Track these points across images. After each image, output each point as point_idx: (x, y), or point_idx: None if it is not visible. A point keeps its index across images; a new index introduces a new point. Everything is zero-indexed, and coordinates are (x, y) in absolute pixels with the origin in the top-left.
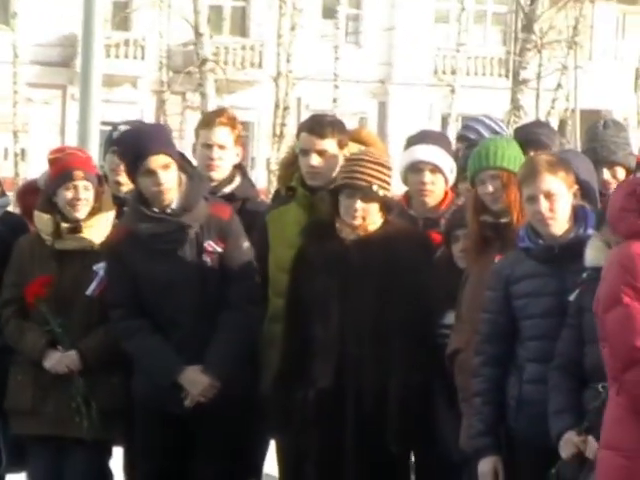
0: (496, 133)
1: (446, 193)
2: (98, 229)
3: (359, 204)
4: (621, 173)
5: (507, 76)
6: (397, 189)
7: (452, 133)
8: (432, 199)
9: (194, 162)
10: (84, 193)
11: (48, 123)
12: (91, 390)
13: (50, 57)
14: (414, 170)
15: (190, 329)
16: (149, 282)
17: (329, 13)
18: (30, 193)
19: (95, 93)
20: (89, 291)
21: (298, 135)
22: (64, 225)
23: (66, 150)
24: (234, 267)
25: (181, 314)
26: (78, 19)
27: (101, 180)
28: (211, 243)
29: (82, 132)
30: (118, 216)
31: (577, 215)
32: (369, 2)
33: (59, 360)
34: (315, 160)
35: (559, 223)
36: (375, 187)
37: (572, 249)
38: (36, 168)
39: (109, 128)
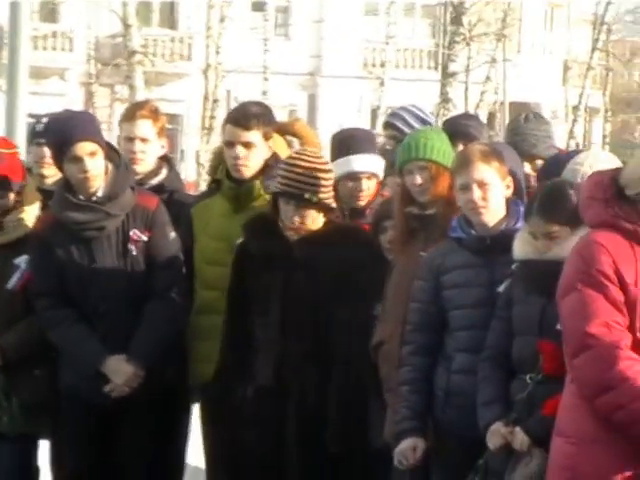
0: (423, 122)
1: None
2: (20, 223)
3: (294, 211)
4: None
5: (436, 69)
6: None
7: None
8: (365, 202)
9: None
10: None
11: None
12: (12, 384)
13: None
14: (350, 178)
15: (115, 319)
16: (74, 271)
17: (258, 6)
18: None
19: (22, 85)
20: (10, 285)
21: (224, 126)
22: None
23: None
24: (160, 256)
25: (106, 303)
26: (4, 10)
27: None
28: (136, 232)
29: (9, 125)
30: (44, 208)
31: (509, 208)
32: None
33: None
34: (240, 152)
35: (491, 213)
36: (308, 195)
37: (503, 241)
38: None
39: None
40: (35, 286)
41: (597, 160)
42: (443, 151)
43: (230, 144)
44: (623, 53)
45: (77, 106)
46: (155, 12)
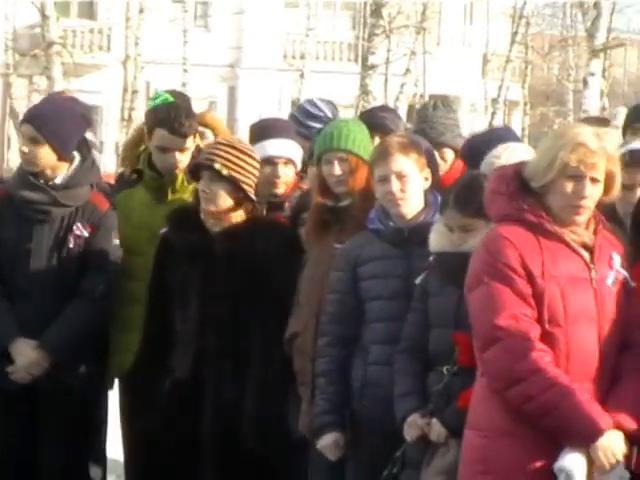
0: (314, 117)
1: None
2: None
3: (204, 183)
4: (449, 155)
5: (356, 61)
6: None
7: None
8: (282, 189)
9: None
10: None
11: None
12: None
13: None
14: (266, 164)
15: (38, 304)
16: (10, 247)
17: None
18: None
19: None
20: None
21: (152, 129)
22: None
23: None
24: (96, 258)
25: (33, 286)
26: None
27: None
28: (80, 226)
29: None
30: None
31: (427, 199)
32: None
33: None
34: (176, 158)
35: (410, 204)
36: (217, 165)
37: (421, 232)
38: None
39: None
40: None
41: (514, 153)
42: (364, 144)
43: (164, 149)
44: (542, 46)
45: None
46: (74, 3)
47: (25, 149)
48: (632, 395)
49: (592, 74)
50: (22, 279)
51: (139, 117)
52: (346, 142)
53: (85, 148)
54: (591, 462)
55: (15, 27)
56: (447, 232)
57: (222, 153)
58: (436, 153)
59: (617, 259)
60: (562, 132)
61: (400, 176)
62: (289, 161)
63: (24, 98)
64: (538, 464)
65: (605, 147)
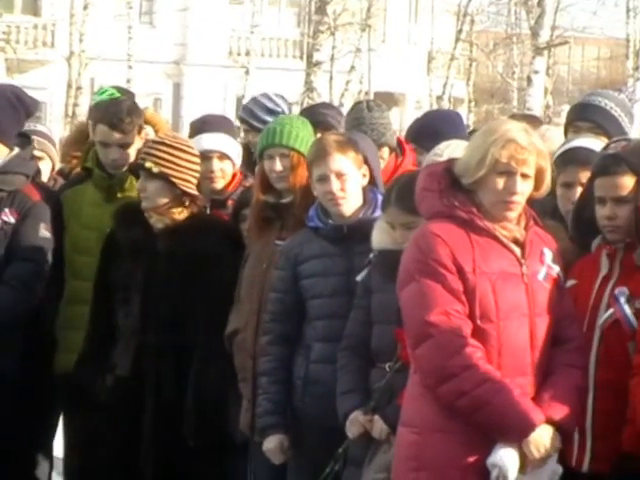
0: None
1: (234, 175)
2: None
3: (140, 181)
4: (386, 153)
5: (301, 58)
6: None
7: None
8: (220, 184)
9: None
10: None
11: None
12: None
13: None
14: (202, 159)
15: None
16: None
17: None
18: None
19: None
20: None
21: (94, 125)
22: None
23: None
24: (22, 246)
25: None
26: None
27: None
28: (7, 212)
29: None
30: None
31: (366, 196)
32: None
33: None
34: (117, 153)
35: (350, 203)
36: (148, 164)
37: (360, 229)
38: None
39: None
40: None
41: (456, 150)
42: (306, 141)
43: (105, 145)
44: (486, 44)
45: None
46: None
47: None
48: (563, 390)
49: (536, 72)
50: None
51: (83, 113)
52: (288, 138)
53: (27, 141)
54: (524, 457)
55: None
56: (389, 229)
57: (153, 151)
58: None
59: (549, 254)
60: (492, 128)
61: (339, 175)
62: (224, 155)
63: None
64: (471, 460)
65: (535, 143)
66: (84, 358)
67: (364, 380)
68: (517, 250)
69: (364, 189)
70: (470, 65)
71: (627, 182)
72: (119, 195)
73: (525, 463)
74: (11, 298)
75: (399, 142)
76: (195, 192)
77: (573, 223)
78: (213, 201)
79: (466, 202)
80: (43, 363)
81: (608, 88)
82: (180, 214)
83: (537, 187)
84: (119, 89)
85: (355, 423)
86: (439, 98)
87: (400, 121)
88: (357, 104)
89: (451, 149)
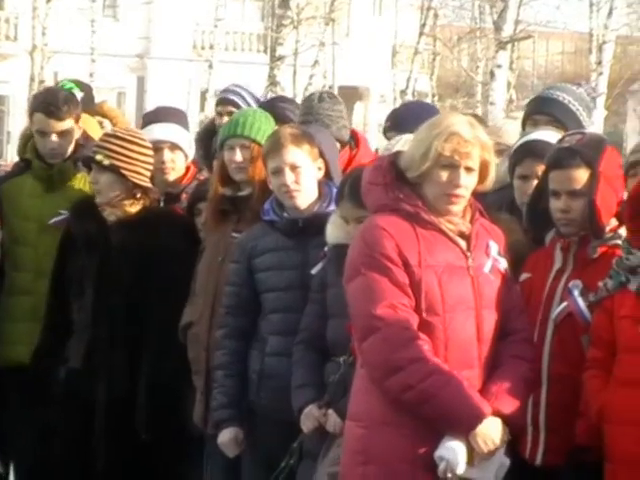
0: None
1: (188, 168)
2: None
3: (92, 174)
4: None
5: (265, 52)
6: None
7: (210, 108)
8: (172, 176)
9: None
10: None
11: None
12: None
13: None
14: (153, 150)
15: None
16: None
17: None
18: None
19: None
20: None
21: (32, 114)
22: None
23: None
24: None
25: None
26: None
27: None
28: None
29: None
30: None
31: (321, 190)
32: None
33: None
34: (55, 142)
35: (304, 196)
36: (99, 156)
37: (315, 223)
38: None
39: None
40: None
41: (407, 144)
42: (268, 134)
43: (43, 133)
44: (450, 38)
45: None
46: None
47: None
48: (510, 382)
49: (499, 66)
50: None
51: None
52: (250, 130)
53: None
54: (471, 449)
55: None
56: (343, 224)
57: (105, 144)
58: None
59: (494, 247)
60: (436, 122)
61: (293, 167)
62: (175, 146)
63: None
64: (419, 453)
65: (479, 136)
66: (40, 352)
67: (319, 374)
68: (463, 243)
69: (320, 182)
70: (434, 59)
71: (581, 175)
72: (59, 185)
73: (473, 455)
74: None
75: (353, 134)
76: (148, 185)
77: (527, 216)
78: (167, 195)
79: (411, 195)
80: None
81: (569, 82)
82: (132, 207)
83: (481, 180)
84: (77, 83)
85: (310, 417)
86: (403, 92)
87: (364, 115)
88: (311, 94)
89: (402, 142)
